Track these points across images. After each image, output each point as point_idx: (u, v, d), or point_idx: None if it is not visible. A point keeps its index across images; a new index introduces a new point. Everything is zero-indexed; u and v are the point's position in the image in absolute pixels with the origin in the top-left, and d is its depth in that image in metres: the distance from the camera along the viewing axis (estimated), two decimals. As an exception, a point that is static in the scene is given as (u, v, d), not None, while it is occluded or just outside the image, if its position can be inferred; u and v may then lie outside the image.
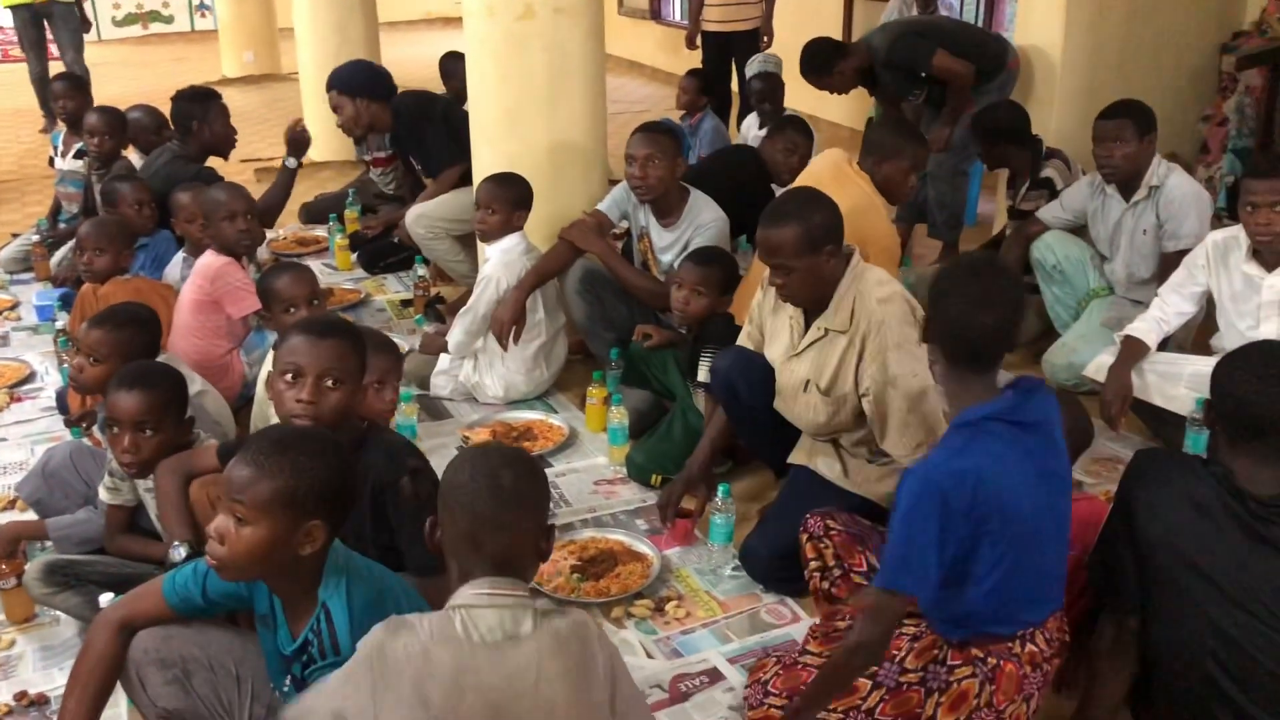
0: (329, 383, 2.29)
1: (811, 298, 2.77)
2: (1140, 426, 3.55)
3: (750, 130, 5.96)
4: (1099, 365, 3.48)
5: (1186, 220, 3.74)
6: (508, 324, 3.81)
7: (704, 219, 3.85)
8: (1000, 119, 4.54)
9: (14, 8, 8.01)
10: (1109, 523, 2.15)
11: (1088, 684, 2.17)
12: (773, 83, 5.90)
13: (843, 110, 7.74)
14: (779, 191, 3.98)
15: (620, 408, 3.54)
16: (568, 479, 3.52)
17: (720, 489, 2.97)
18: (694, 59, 7.46)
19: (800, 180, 3.89)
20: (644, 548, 3.07)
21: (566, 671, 1.65)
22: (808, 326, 2.83)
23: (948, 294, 2.08)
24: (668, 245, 3.90)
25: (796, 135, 4.42)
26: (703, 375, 3.29)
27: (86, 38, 8.46)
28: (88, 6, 8.15)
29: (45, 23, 8.12)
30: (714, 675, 2.60)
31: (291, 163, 4.99)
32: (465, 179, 4.67)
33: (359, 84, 5.10)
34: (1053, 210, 4.16)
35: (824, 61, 5.18)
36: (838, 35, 8.24)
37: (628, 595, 2.87)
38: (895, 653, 2.15)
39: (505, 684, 1.60)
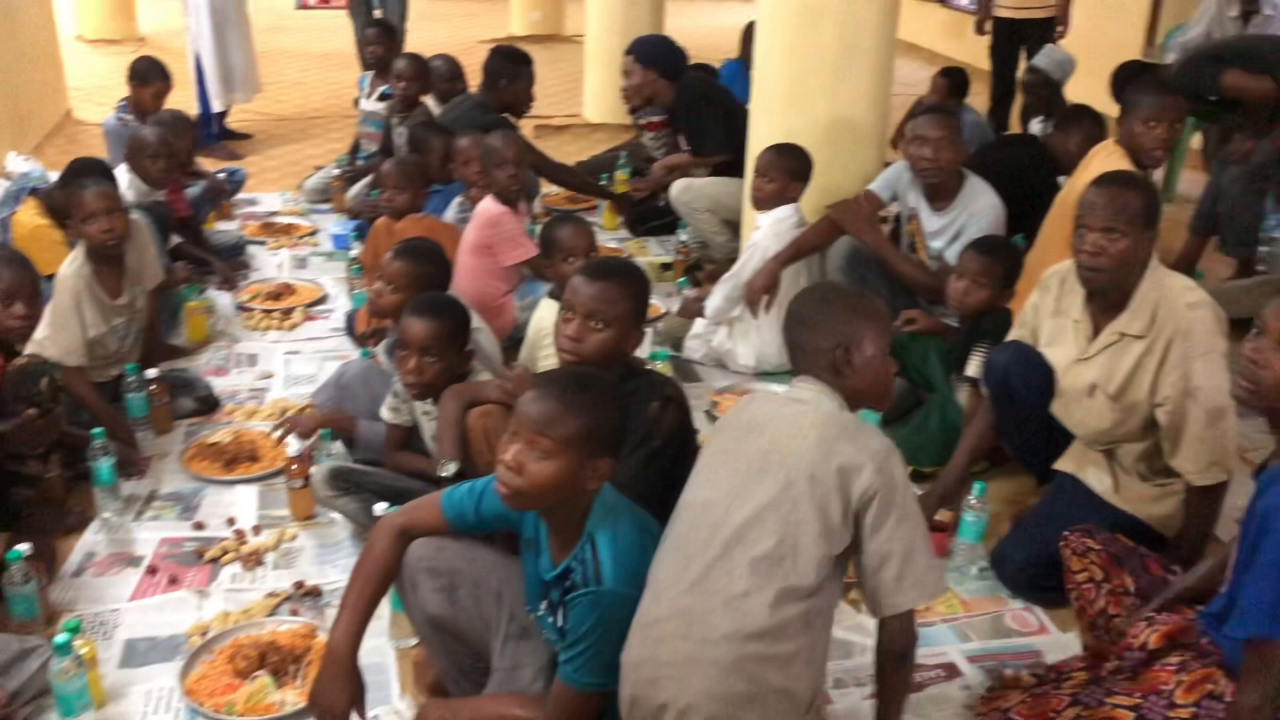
0: (595, 324, 2.37)
1: (1115, 281, 2.63)
2: None
3: (1034, 124, 5.70)
4: None
5: None
6: (759, 292, 3.82)
7: (979, 206, 3.72)
8: None
9: None
10: None
11: None
12: (1043, 79, 5.59)
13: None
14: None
15: (875, 392, 3.48)
16: (814, 456, 3.51)
17: (976, 487, 2.88)
18: (980, 45, 7.20)
19: (1082, 170, 3.72)
20: (887, 534, 3.02)
21: (823, 426, 1.90)
22: (1095, 329, 2.70)
23: None
24: (938, 230, 3.79)
25: (1093, 127, 4.19)
26: (973, 370, 3.20)
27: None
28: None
29: None
30: (950, 670, 2.55)
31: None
32: (732, 170, 4.76)
33: (655, 58, 5.22)
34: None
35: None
36: (1142, 29, 7.78)
37: (865, 578, 2.84)
38: (1162, 686, 2.02)
39: (769, 409, 2.00)
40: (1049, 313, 2.87)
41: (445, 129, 4.75)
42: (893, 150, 5.01)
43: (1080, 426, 2.81)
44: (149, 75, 5.36)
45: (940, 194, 3.77)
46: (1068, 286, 2.80)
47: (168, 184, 4.51)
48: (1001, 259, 3.35)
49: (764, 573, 1.80)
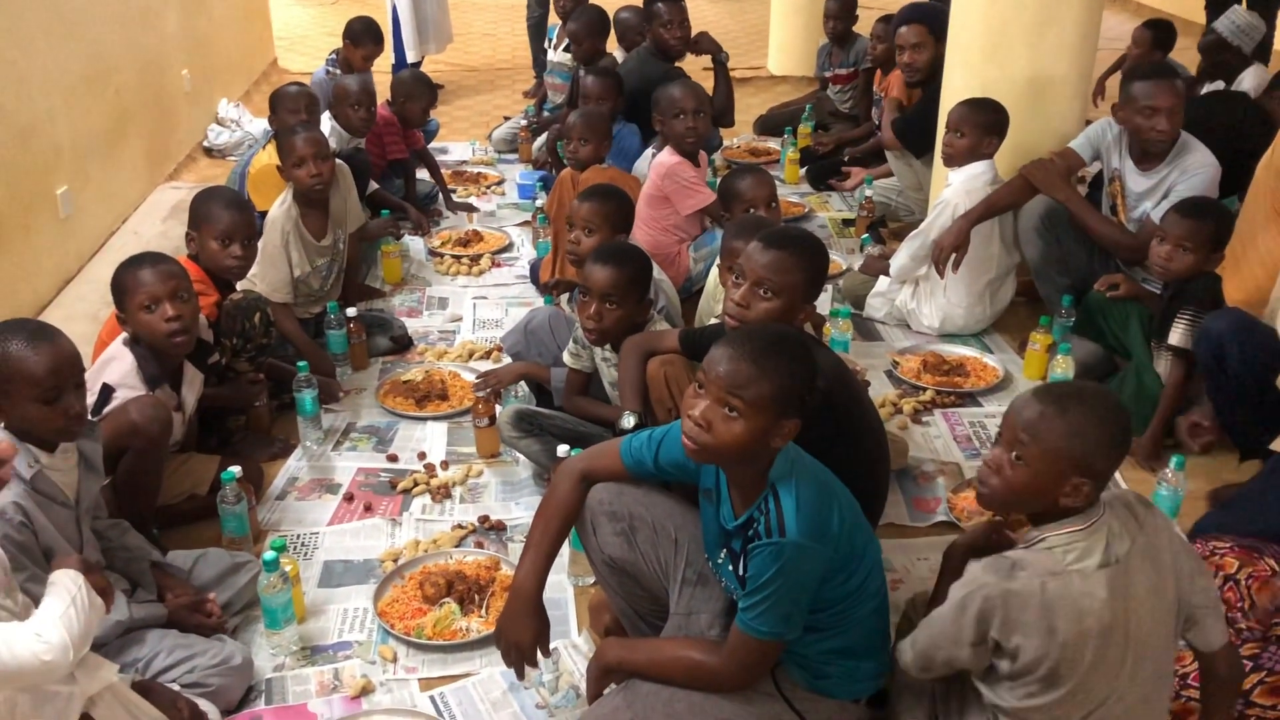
0: (763, 291, 2.37)
1: None
2: None
3: (1246, 80, 5.28)
4: None
5: None
6: (947, 251, 3.68)
7: (1192, 163, 3.48)
8: None
9: None
10: None
11: None
12: (1219, 42, 5.13)
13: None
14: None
15: (1067, 357, 3.36)
16: (997, 421, 3.41)
17: (1174, 460, 2.75)
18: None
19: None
20: (1074, 504, 2.93)
21: (1149, 586, 1.80)
22: None
23: None
24: (1145, 191, 3.57)
25: None
26: (1176, 339, 3.03)
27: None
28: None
29: None
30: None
31: (723, 57, 5.13)
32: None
33: (941, 30, 4.39)
34: None
35: None
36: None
37: (1050, 549, 2.75)
38: None
39: (1101, 603, 1.75)
40: None
41: (606, 72, 4.78)
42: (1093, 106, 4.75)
43: None
44: (362, 37, 5.56)
45: (1153, 155, 3.55)
46: None
47: (366, 132, 4.69)
48: (1209, 221, 3.12)
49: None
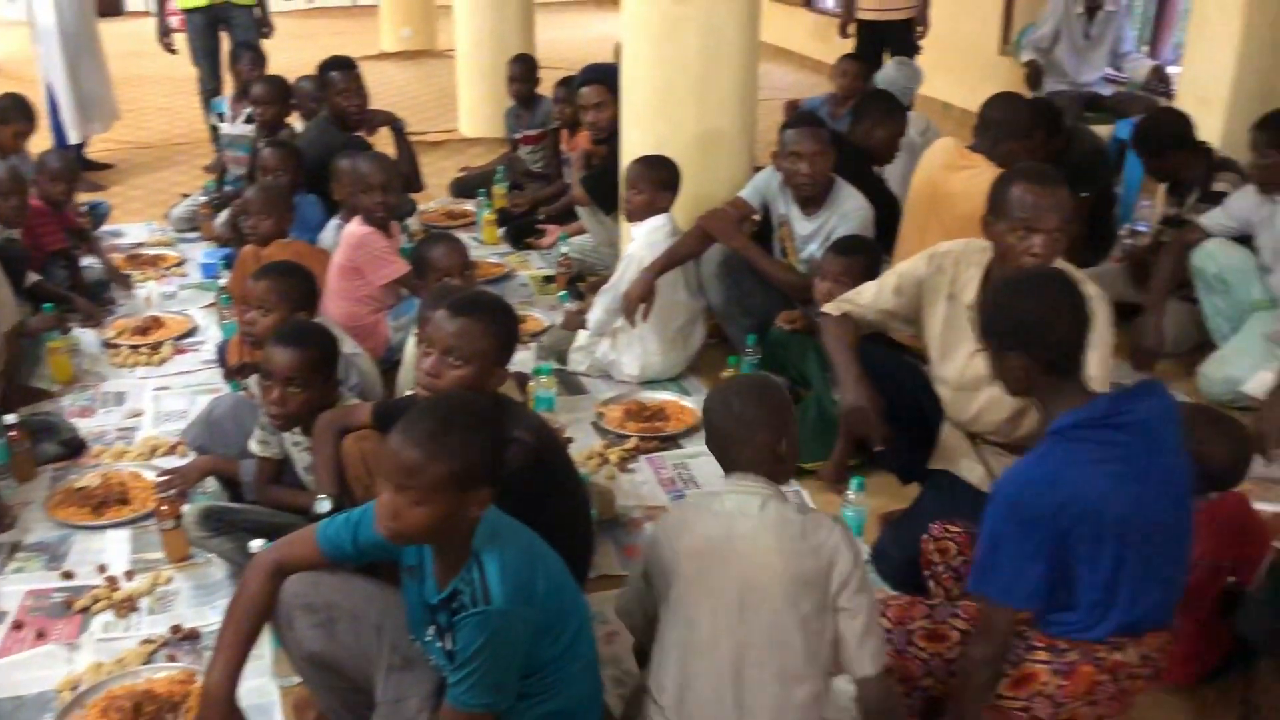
0: (453, 360, 2.37)
1: None
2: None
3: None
4: (1261, 382, 3.32)
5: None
6: (635, 302, 3.81)
7: (848, 207, 3.80)
8: (1162, 128, 4.34)
9: (189, 11, 6.76)
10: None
11: None
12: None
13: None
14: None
15: (755, 394, 3.53)
16: (699, 461, 3.55)
17: (853, 482, 2.95)
18: (846, 47, 7.37)
19: (919, 171, 3.85)
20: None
21: (779, 540, 1.98)
22: None
23: (1020, 302, 2.11)
24: (810, 234, 3.86)
25: (876, 110, 4.32)
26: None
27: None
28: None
29: (222, 31, 6.85)
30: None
31: (399, 124, 5.18)
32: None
33: (615, 87, 4.53)
34: (1215, 217, 3.96)
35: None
36: (997, 27, 8.00)
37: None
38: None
39: (722, 532, 2.02)
40: (942, 295, 2.80)
41: (293, 148, 4.68)
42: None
43: (974, 416, 2.80)
44: (9, 114, 5.13)
45: (812, 200, 3.83)
46: (962, 270, 2.76)
47: (20, 222, 4.33)
48: (861, 256, 3.43)
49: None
